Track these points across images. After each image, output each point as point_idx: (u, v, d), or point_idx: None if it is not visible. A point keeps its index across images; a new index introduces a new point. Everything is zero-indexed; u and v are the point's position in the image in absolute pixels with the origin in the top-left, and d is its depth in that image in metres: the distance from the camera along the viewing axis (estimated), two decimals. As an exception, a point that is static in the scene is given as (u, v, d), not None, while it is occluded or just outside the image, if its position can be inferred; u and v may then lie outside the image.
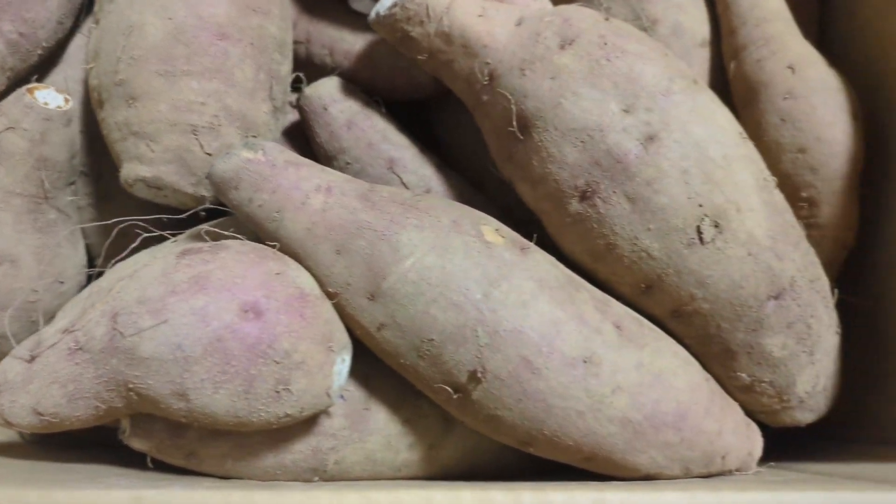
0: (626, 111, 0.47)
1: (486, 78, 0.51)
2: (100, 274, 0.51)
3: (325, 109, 0.58)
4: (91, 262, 0.60)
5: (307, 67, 0.64)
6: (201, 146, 0.51)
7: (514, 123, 0.50)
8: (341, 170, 0.59)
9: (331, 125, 0.58)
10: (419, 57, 0.54)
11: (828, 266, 0.53)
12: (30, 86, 0.53)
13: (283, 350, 0.42)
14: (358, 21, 0.62)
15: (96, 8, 0.54)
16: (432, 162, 0.59)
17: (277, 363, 0.42)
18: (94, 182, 0.60)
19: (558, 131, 0.48)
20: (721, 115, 0.49)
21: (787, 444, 0.55)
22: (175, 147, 0.50)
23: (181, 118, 0.50)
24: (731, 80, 0.58)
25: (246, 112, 0.53)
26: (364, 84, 0.62)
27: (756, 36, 0.56)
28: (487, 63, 0.51)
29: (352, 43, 0.62)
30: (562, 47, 0.49)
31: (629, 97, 0.47)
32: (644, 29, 0.58)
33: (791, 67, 0.54)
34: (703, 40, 0.60)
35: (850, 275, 0.55)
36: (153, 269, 0.44)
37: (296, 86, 0.60)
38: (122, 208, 0.57)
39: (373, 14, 0.53)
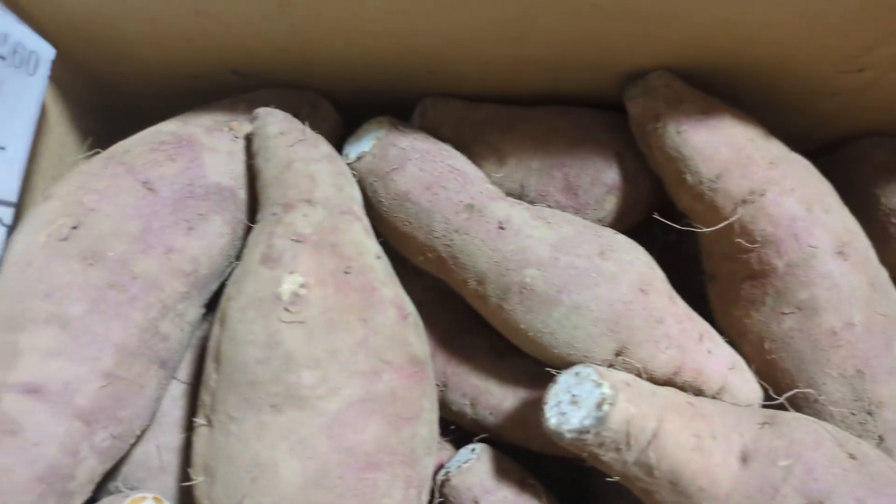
0: None
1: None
2: None
3: (476, 503, 0.47)
4: None
5: (441, 413, 0.54)
6: None
7: None
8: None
9: (481, 522, 0.47)
10: (608, 478, 0.43)
11: None
12: (126, 501, 0.43)
13: None
14: (508, 372, 0.52)
15: (205, 402, 0.44)
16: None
17: None
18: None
19: None
20: None
21: None
22: None
23: (319, 583, 0.39)
24: None
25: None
26: (514, 444, 0.51)
27: None
28: (704, 511, 0.40)
29: (500, 398, 0.51)
30: (811, 511, 0.38)
31: None
32: (868, 413, 0.48)
33: None
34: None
35: None
36: None
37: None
38: None
39: (554, 429, 0.42)
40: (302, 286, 0.42)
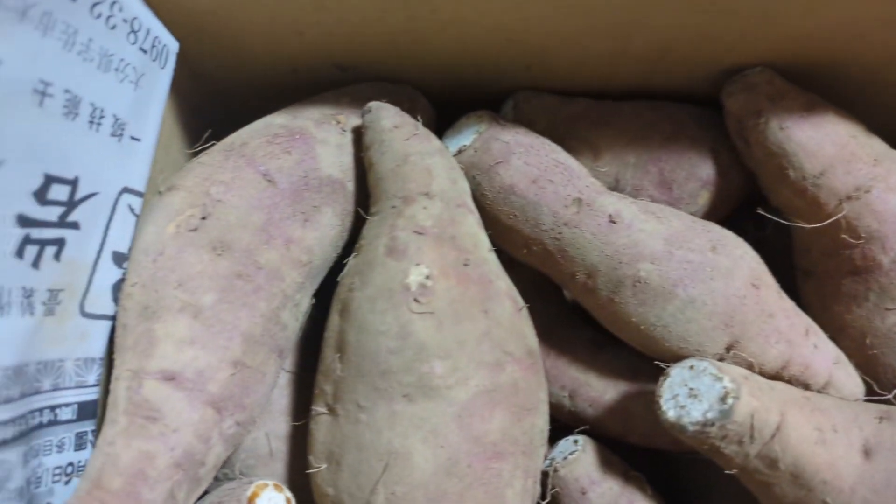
0: None
1: (825, 519, 0.41)
2: None
3: (584, 494, 0.48)
4: None
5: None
6: None
7: None
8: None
9: (588, 512, 0.48)
10: (727, 471, 0.44)
11: None
12: (251, 488, 0.43)
13: None
14: (608, 365, 0.52)
15: (322, 382, 0.45)
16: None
17: None
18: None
19: None
20: None
21: None
22: None
23: (449, 569, 0.40)
24: None
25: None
26: (613, 439, 0.52)
27: None
28: (826, 502, 0.41)
29: (600, 391, 0.52)
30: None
31: None
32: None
33: None
34: None
35: None
36: None
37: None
38: None
39: (674, 422, 0.43)
40: (428, 277, 0.42)
